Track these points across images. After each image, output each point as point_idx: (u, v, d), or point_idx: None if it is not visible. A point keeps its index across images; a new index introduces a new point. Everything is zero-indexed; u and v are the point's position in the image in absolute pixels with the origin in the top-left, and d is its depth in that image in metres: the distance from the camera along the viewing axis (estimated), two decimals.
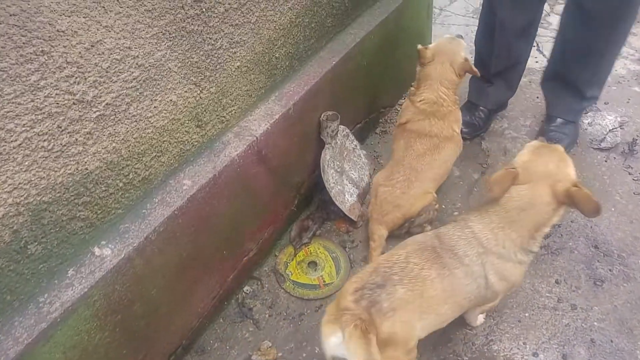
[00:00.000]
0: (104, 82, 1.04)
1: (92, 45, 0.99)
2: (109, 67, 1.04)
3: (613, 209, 1.93)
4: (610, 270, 1.72)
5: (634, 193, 1.99)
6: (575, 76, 2.06)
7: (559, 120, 2.17)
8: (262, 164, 1.57)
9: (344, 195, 1.91)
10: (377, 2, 2.13)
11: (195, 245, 1.38)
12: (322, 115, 1.81)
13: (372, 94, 2.21)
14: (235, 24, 1.38)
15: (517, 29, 2.01)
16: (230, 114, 1.48)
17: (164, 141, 1.26)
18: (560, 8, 3.38)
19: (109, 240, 1.15)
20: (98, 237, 1.14)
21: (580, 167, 2.10)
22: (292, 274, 1.72)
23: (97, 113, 1.04)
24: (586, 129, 2.31)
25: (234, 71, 1.44)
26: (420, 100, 1.84)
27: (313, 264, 1.75)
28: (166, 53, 1.18)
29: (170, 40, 1.18)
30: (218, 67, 1.37)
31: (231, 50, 1.39)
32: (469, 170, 2.14)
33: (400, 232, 1.80)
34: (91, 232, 1.12)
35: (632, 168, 2.09)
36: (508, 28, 2.00)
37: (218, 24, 1.32)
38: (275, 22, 1.54)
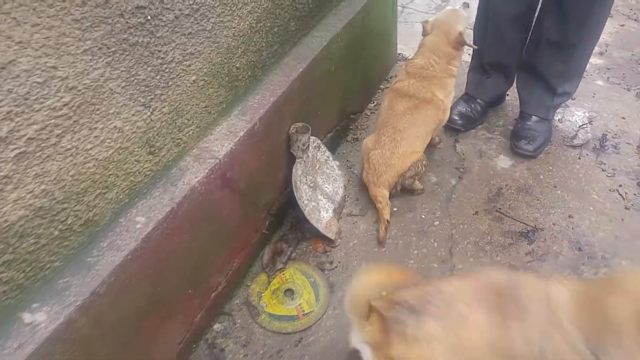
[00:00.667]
0: (22, 113, 0.82)
1: (2, 68, 0.77)
2: (28, 93, 0.82)
3: (592, 208, 1.88)
4: (596, 273, 1.66)
5: (609, 190, 1.95)
6: (546, 68, 2.01)
7: (533, 118, 2.11)
8: (227, 187, 1.39)
9: (319, 212, 1.76)
10: (341, 2, 1.98)
11: (155, 290, 1.18)
12: (291, 128, 1.65)
13: (341, 100, 2.07)
14: (188, 33, 1.18)
15: (509, 17, 1.93)
16: (187, 135, 1.29)
17: (110, 175, 1.06)
18: None
19: (43, 302, 0.94)
20: (28, 299, 0.92)
21: (556, 166, 2.05)
22: (267, 305, 1.55)
23: (17, 151, 0.83)
24: (557, 126, 2.27)
25: (190, 86, 1.24)
26: (409, 64, 1.89)
27: (289, 292, 1.59)
28: (105, 71, 0.97)
29: (109, 56, 0.98)
30: (170, 83, 1.17)
31: (185, 63, 1.20)
32: (445, 176, 2.03)
33: (394, 191, 1.85)
34: (18, 295, 0.90)
35: (604, 164, 2.06)
36: (501, 16, 1.93)
37: (168, 33, 1.12)
38: (233, 28, 1.36)
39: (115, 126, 1.04)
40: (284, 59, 1.67)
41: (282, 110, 1.58)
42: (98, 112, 0.98)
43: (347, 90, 2.09)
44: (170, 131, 1.22)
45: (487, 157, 2.11)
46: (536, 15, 1.99)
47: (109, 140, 1.03)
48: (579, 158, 2.10)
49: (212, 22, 1.26)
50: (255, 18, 1.44)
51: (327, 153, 1.90)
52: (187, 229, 1.26)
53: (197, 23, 1.20)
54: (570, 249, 1.74)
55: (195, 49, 1.22)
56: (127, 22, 0.99)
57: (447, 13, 1.90)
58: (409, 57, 1.96)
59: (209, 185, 1.30)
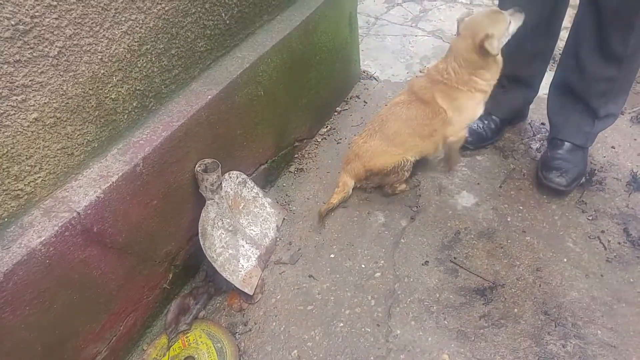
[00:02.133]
0: None
1: None
2: None
3: (566, 260, 1.54)
4: (563, 346, 1.32)
5: (589, 237, 1.60)
6: (587, 87, 1.64)
7: (566, 145, 1.73)
8: (96, 244, 1.12)
9: (238, 262, 1.47)
10: (276, 17, 1.70)
11: None
12: (197, 166, 1.37)
13: (280, 127, 1.78)
14: (16, 61, 0.92)
15: (530, 25, 1.59)
16: (33, 184, 1.02)
17: None
18: None
19: None
20: None
21: (528, 206, 1.71)
22: None
23: None
24: (535, 157, 1.93)
25: (30, 126, 0.98)
26: (434, 66, 1.67)
27: None
28: None
29: None
30: None
31: (15, 98, 0.94)
32: (395, 215, 1.72)
33: (367, 185, 1.76)
34: None
35: (586, 204, 1.71)
36: (522, 24, 1.58)
37: None
38: (101, 52, 1.09)
39: None
40: (191, 85, 1.40)
41: (183, 145, 1.31)
42: None
43: (288, 116, 1.81)
44: (1, 182, 0.96)
45: (447, 193, 1.79)
46: (571, 22, 1.65)
47: None
48: (557, 196, 1.76)
49: (59, 47, 0.99)
50: (136, 40, 1.17)
51: (256, 189, 1.62)
52: (28, 301, 0.99)
53: (31, 48, 0.94)
54: (535, 313, 1.40)
55: (31, 80, 0.96)
56: None
57: (484, 13, 1.57)
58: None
59: (64, 244, 1.03)
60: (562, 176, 1.68)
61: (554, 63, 2.40)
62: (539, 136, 2.02)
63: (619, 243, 1.57)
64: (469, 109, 1.63)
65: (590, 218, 1.66)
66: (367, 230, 1.68)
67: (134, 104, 1.22)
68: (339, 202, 1.71)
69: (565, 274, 1.50)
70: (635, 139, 1.91)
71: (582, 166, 1.75)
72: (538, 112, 2.07)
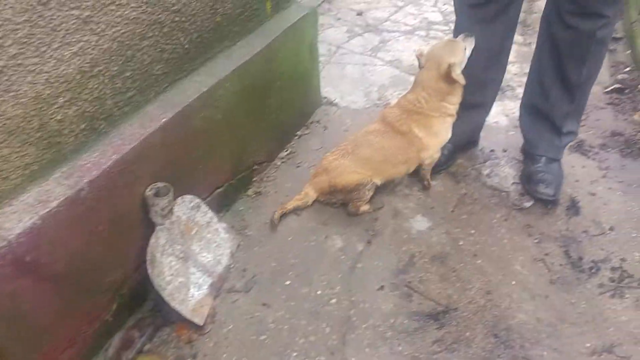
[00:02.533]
0: None
1: None
2: None
3: (514, 283, 1.58)
4: None
5: (534, 259, 1.66)
6: (552, 109, 1.86)
7: (543, 159, 1.91)
8: (29, 274, 1.04)
9: (188, 290, 1.41)
10: (237, 42, 1.70)
11: None
12: (147, 190, 1.32)
13: (238, 150, 1.76)
14: None
15: (484, 56, 1.75)
16: None
17: None
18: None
19: None
20: None
21: (479, 230, 1.76)
22: None
23: None
24: (485, 182, 2.01)
25: None
26: (403, 97, 1.79)
27: None
28: None
29: None
30: None
31: None
32: (353, 239, 1.72)
33: (331, 200, 1.80)
34: None
35: (532, 228, 1.78)
36: (475, 55, 1.74)
37: None
38: (47, 73, 1.04)
39: None
40: (146, 107, 1.36)
41: (134, 168, 1.26)
42: None
43: (246, 140, 1.79)
44: None
45: (402, 217, 1.81)
46: (533, 55, 1.88)
47: None
48: (505, 220, 1.83)
49: (0, 66, 0.94)
50: (87, 61, 1.13)
51: (210, 214, 1.57)
52: None
53: None
54: (485, 336, 1.43)
55: None
56: None
57: (442, 44, 1.73)
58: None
59: None
60: (549, 187, 1.85)
61: (502, 93, 2.55)
62: (489, 162, 2.10)
63: (561, 265, 1.64)
64: (442, 133, 1.79)
65: (536, 241, 1.73)
66: (324, 255, 1.67)
67: (82, 126, 1.17)
68: (294, 208, 1.76)
69: (513, 296, 1.54)
70: (573, 167, 2.04)
71: (560, 175, 1.94)
72: (488, 139, 2.17)
